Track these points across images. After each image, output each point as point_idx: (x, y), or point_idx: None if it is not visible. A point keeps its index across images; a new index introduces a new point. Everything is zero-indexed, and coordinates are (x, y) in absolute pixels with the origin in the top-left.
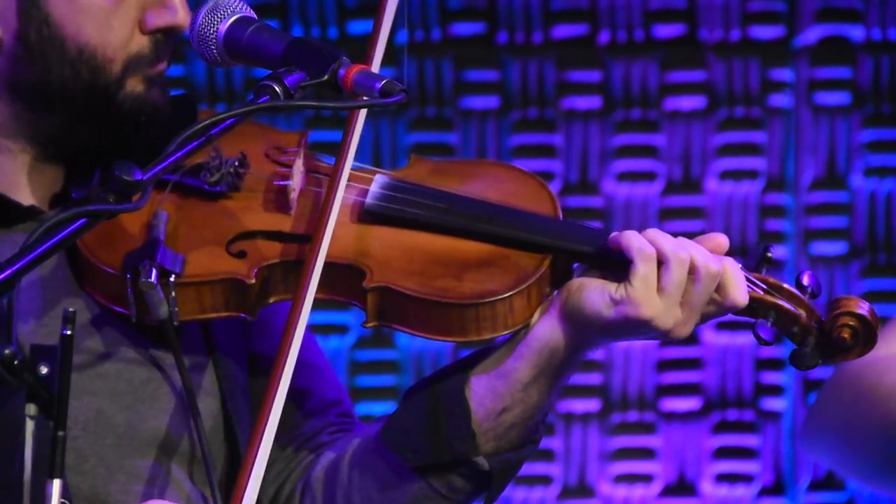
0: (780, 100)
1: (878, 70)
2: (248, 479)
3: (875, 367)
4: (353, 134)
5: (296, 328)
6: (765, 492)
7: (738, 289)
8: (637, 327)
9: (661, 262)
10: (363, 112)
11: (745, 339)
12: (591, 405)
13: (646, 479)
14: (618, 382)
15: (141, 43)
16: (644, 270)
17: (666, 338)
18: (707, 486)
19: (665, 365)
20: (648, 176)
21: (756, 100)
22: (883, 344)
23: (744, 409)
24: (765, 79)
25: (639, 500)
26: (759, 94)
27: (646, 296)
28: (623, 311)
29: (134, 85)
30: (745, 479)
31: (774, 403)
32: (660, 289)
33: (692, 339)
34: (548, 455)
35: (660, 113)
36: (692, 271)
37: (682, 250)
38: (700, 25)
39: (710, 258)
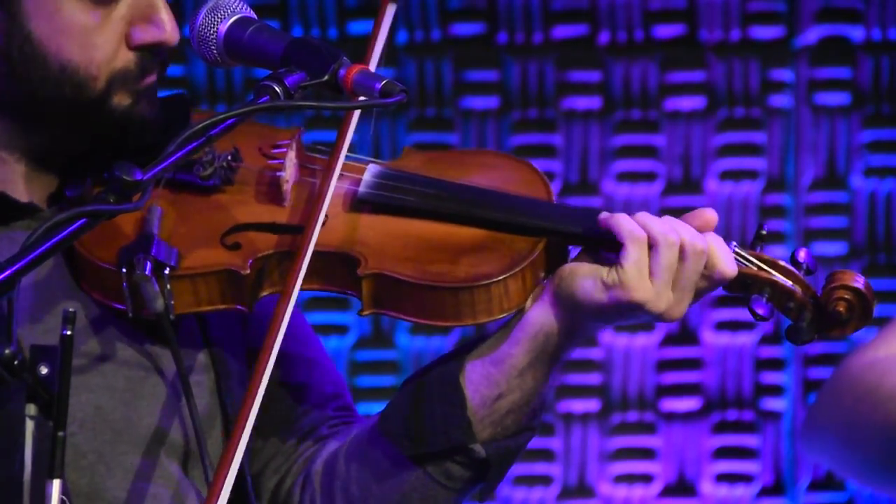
0: (780, 100)
1: (878, 70)
2: (230, 464)
3: (876, 368)
4: (349, 122)
5: (284, 315)
6: (764, 492)
7: (725, 261)
8: (629, 311)
9: (651, 246)
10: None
11: (745, 339)
12: (590, 405)
13: (646, 479)
14: (618, 382)
15: (126, 58)
16: (636, 255)
17: (659, 320)
18: (707, 487)
19: (665, 365)
20: (648, 176)
21: (756, 100)
22: (883, 345)
23: (744, 410)
24: (765, 79)
25: (639, 501)
26: (759, 94)
27: (637, 280)
28: (615, 296)
29: (120, 99)
30: (745, 479)
31: (774, 403)
32: (651, 272)
33: (692, 339)
34: (548, 455)
35: (660, 113)
36: (680, 252)
37: (672, 233)
38: (700, 26)
39: (696, 237)
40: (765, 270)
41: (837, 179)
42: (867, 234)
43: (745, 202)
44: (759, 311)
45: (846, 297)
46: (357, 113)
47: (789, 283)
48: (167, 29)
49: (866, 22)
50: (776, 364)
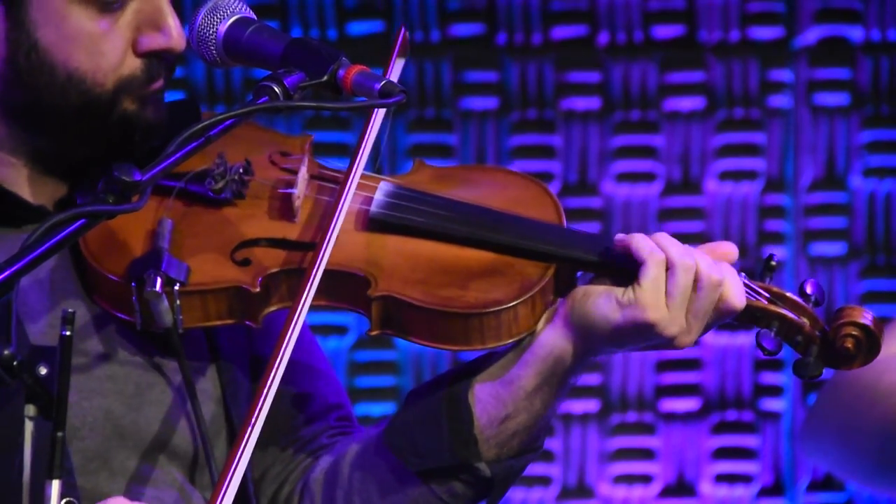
0: (779, 100)
1: (877, 71)
2: (230, 475)
3: (873, 368)
4: (364, 145)
5: (291, 330)
6: (764, 492)
7: (735, 293)
8: (642, 333)
9: (668, 268)
10: (377, 121)
11: (744, 339)
12: (590, 406)
13: (645, 479)
14: (617, 383)
15: (133, 65)
16: (654, 273)
17: (669, 346)
18: (706, 487)
19: (664, 365)
20: (648, 177)
21: (755, 100)
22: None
23: (743, 410)
24: (764, 79)
25: (638, 501)
26: (759, 94)
27: (654, 299)
28: (630, 315)
29: (127, 105)
30: (745, 479)
31: (773, 404)
32: (666, 293)
33: None
34: (547, 456)
35: (659, 114)
36: (696, 279)
37: (689, 257)
38: (699, 26)
39: (713, 267)
40: (774, 303)
41: (836, 180)
42: (866, 235)
43: (744, 203)
44: (767, 346)
45: (854, 333)
46: (375, 124)
47: (797, 316)
48: (174, 35)
49: (865, 22)
50: (775, 364)
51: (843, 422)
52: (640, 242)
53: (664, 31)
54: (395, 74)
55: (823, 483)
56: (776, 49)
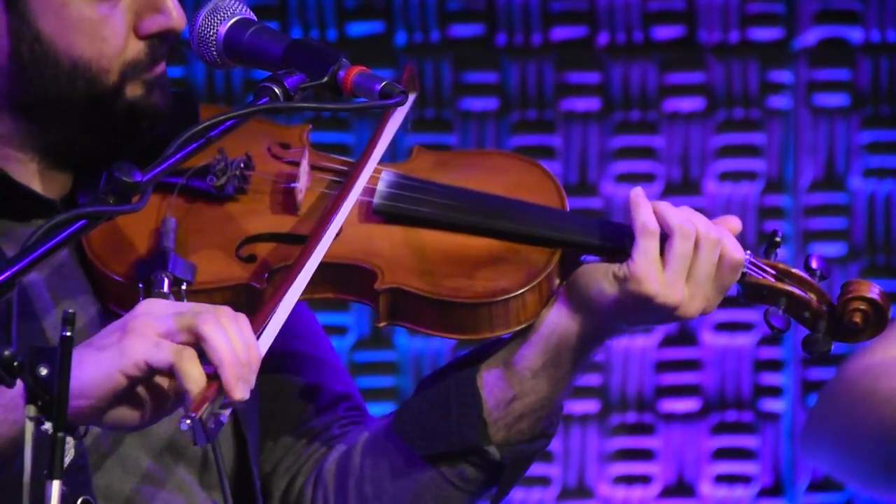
0: (779, 101)
1: (876, 71)
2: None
3: (871, 371)
4: (376, 145)
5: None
6: (764, 493)
7: (732, 247)
8: (643, 305)
9: (667, 236)
10: (395, 123)
11: (744, 340)
12: (590, 406)
13: (645, 480)
14: (617, 383)
15: (136, 48)
16: (645, 245)
17: (674, 316)
18: (706, 488)
19: (664, 366)
20: (647, 177)
21: (755, 101)
22: (880, 348)
23: (743, 411)
24: (764, 80)
25: (638, 502)
26: (758, 95)
27: (647, 271)
28: (626, 289)
29: (133, 90)
30: (744, 480)
31: (773, 405)
32: (664, 262)
33: (691, 340)
34: (547, 456)
35: (659, 114)
36: (695, 243)
37: (688, 223)
38: (699, 27)
39: (710, 227)
40: (781, 280)
41: (836, 181)
42: (866, 236)
43: (744, 203)
44: (776, 324)
45: (862, 307)
46: (392, 125)
47: (804, 292)
48: (174, 16)
49: (865, 23)
50: (775, 365)
51: (842, 426)
52: (639, 213)
53: (664, 32)
54: (404, 110)
55: (823, 484)
56: (776, 50)
